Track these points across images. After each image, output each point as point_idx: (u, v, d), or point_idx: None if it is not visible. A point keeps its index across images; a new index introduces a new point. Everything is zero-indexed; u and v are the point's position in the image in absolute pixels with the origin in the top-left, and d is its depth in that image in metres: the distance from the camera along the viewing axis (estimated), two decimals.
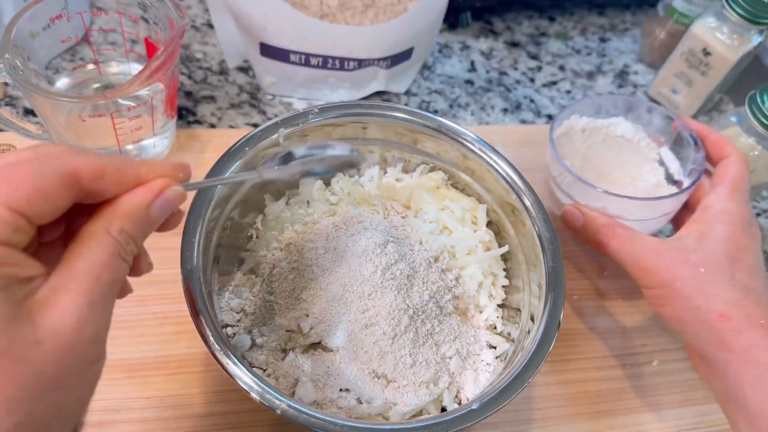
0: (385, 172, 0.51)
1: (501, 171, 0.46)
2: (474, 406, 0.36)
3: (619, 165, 0.54)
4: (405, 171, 0.51)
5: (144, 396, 0.43)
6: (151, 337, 0.46)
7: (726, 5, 0.58)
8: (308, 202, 0.49)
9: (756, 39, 0.59)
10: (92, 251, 0.25)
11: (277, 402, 0.34)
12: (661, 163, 0.54)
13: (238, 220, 0.46)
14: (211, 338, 0.35)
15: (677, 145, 0.53)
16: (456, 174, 0.50)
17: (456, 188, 0.50)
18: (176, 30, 0.46)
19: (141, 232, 0.27)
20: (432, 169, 0.51)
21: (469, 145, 0.47)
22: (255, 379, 0.34)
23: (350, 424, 0.34)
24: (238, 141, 0.44)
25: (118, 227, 0.26)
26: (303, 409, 0.34)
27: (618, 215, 0.49)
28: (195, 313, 0.36)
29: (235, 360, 0.35)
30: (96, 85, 0.55)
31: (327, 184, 0.50)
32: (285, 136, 0.45)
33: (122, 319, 0.46)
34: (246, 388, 0.34)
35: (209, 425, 0.43)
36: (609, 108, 0.54)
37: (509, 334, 0.45)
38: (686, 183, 0.51)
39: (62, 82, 0.54)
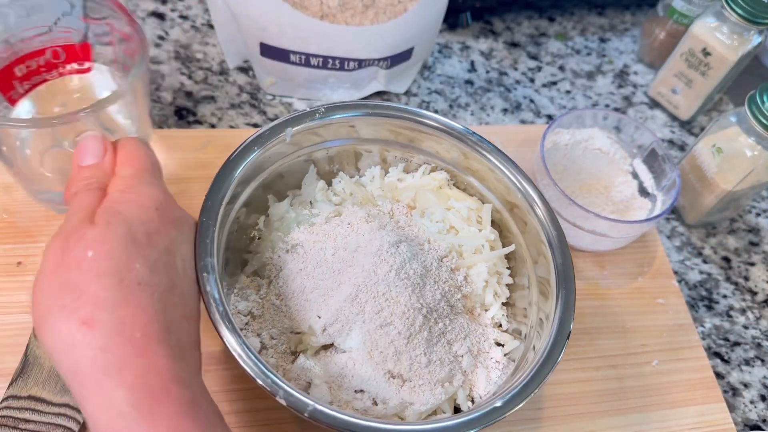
0: (387, 173, 0.51)
1: (503, 169, 0.46)
2: (497, 403, 0.36)
3: (595, 175, 0.56)
4: (406, 171, 0.51)
5: None
6: None
7: (725, 5, 0.58)
8: (311, 203, 0.49)
9: (756, 39, 0.59)
10: None
11: (303, 404, 0.34)
12: (635, 175, 0.57)
13: (242, 222, 0.45)
14: (234, 344, 0.35)
15: (650, 158, 0.55)
16: (457, 174, 0.50)
17: (458, 188, 0.50)
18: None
19: None
20: (434, 169, 0.51)
21: (470, 143, 0.47)
22: (284, 384, 0.34)
23: (385, 426, 0.34)
24: (245, 140, 0.43)
25: None
26: (330, 412, 0.34)
27: (591, 230, 0.52)
28: (217, 319, 0.36)
29: (262, 366, 0.34)
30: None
31: (329, 184, 0.50)
32: (293, 134, 0.45)
33: None
34: (270, 391, 0.34)
35: None
36: (587, 120, 0.57)
37: (517, 332, 0.45)
38: (660, 198, 0.55)
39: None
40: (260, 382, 0.34)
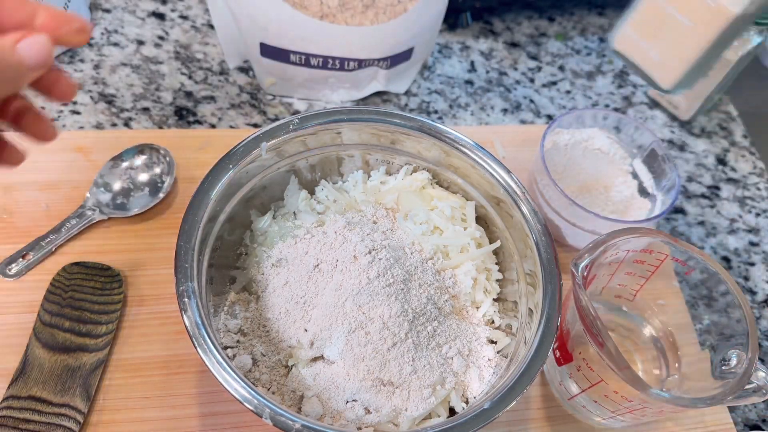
0: (369, 176, 0.51)
1: (484, 164, 0.46)
2: (486, 406, 0.36)
3: (595, 175, 0.56)
4: (388, 173, 0.51)
5: (144, 396, 0.43)
6: (151, 337, 0.46)
7: None
8: (295, 214, 0.48)
9: (755, 39, 0.59)
10: None
11: (291, 422, 0.34)
12: (634, 175, 0.57)
13: (226, 239, 0.45)
14: (222, 371, 0.35)
15: (650, 158, 0.55)
16: (439, 172, 0.50)
17: (441, 186, 0.50)
18: None
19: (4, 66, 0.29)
20: (415, 170, 0.50)
21: (449, 141, 0.47)
22: (270, 404, 0.34)
23: None
24: (220, 160, 0.43)
25: None
26: (318, 427, 0.34)
27: (591, 230, 0.51)
28: (200, 343, 0.36)
29: (248, 388, 0.35)
30: None
31: (311, 193, 0.50)
32: (268, 149, 0.45)
33: (123, 318, 0.46)
34: (257, 412, 0.34)
35: (209, 425, 0.43)
36: (587, 120, 0.57)
37: (509, 327, 0.45)
38: (660, 198, 0.55)
39: None
40: (247, 405, 0.34)
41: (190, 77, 0.62)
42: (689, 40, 0.41)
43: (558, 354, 0.45)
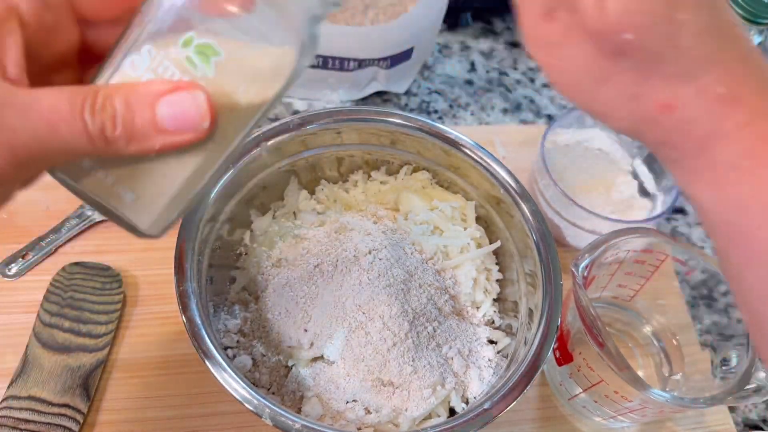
0: (369, 176, 0.51)
1: (485, 164, 0.46)
2: (486, 406, 0.36)
3: (595, 175, 0.56)
4: (389, 173, 0.51)
5: (144, 396, 0.43)
6: (151, 337, 0.46)
7: None
8: (295, 214, 0.48)
9: (756, 39, 0.59)
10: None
11: (291, 423, 0.34)
12: (635, 175, 0.57)
13: (226, 239, 0.45)
14: (222, 371, 0.35)
15: (650, 158, 0.55)
16: (440, 172, 0.50)
17: (441, 186, 0.50)
18: None
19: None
20: (416, 170, 0.50)
21: (449, 141, 0.47)
22: (269, 405, 0.34)
23: None
24: None
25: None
26: (318, 428, 0.34)
27: (591, 230, 0.51)
28: (199, 344, 0.36)
29: (248, 389, 0.35)
30: None
31: (312, 192, 0.50)
32: (268, 149, 0.44)
33: (123, 319, 0.46)
34: (257, 412, 0.34)
35: (210, 426, 0.43)
36: (587, 120, 0.56)
37: (509, 327, 0.45)
38: (660, 198, 0.54)
39: None
40: (248, 405, 0.34)
41: None
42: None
43: (558, 354, 0.45)
